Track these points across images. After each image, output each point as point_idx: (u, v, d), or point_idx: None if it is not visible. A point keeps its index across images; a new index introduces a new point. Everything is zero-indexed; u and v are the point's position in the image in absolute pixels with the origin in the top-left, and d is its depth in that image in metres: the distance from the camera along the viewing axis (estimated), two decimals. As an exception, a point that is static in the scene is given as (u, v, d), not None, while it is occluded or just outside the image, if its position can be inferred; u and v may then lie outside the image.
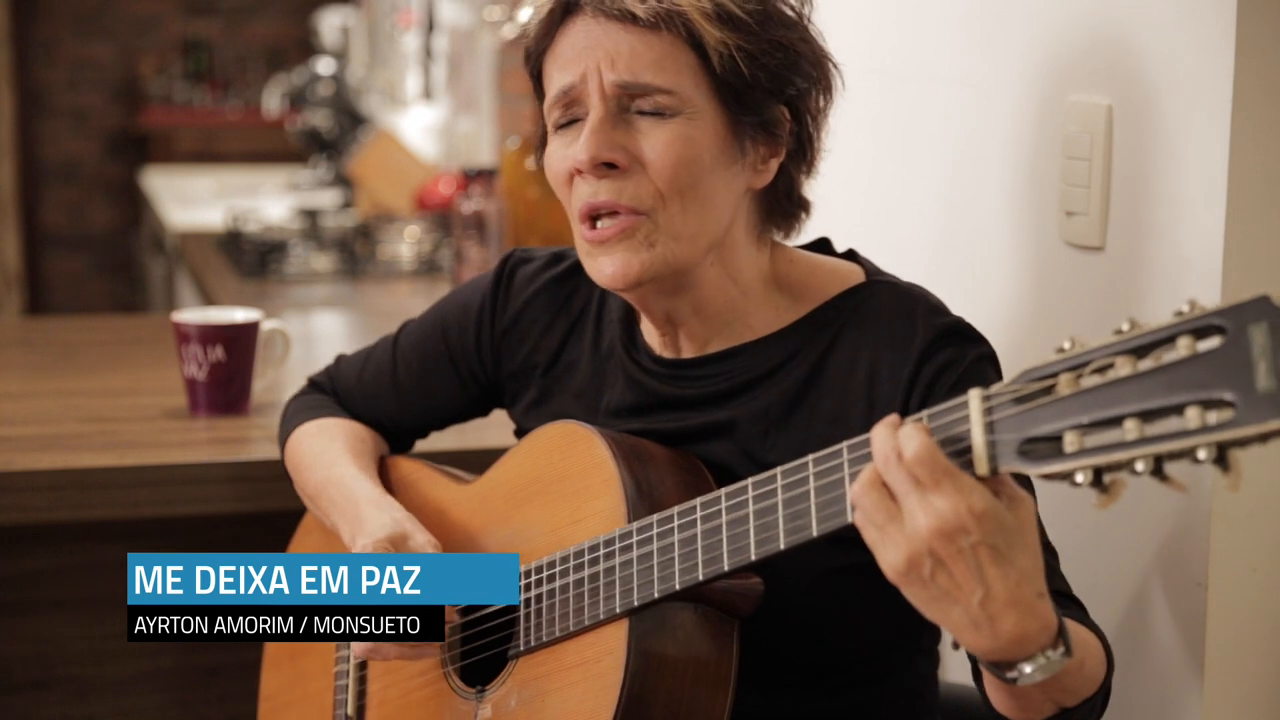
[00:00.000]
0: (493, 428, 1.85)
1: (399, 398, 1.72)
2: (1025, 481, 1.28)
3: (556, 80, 1.42)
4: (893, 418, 1.14)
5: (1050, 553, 1.36)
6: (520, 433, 1.63)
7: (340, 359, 1.82)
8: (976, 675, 1.30)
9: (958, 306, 1.47)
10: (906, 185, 1.89)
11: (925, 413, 1.13)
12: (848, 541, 1.37)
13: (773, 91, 1.41)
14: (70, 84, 6.97)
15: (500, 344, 1.63)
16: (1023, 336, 1.67)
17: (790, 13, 1.44)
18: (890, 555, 1.12)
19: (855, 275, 1.49)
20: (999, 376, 1.40)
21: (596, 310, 1.58)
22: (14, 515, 1.95)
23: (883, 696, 1.48)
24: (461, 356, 1.66)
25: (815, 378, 1.43)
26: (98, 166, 7.01)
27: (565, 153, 1.42)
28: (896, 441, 1.11)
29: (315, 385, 1.82)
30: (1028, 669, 1.14)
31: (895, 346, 1.40)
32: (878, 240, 1.86)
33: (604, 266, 1.41)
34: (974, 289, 1.74)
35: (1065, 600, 1.33)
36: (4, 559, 2.05)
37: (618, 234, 1.39)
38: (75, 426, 2.17)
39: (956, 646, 1.16)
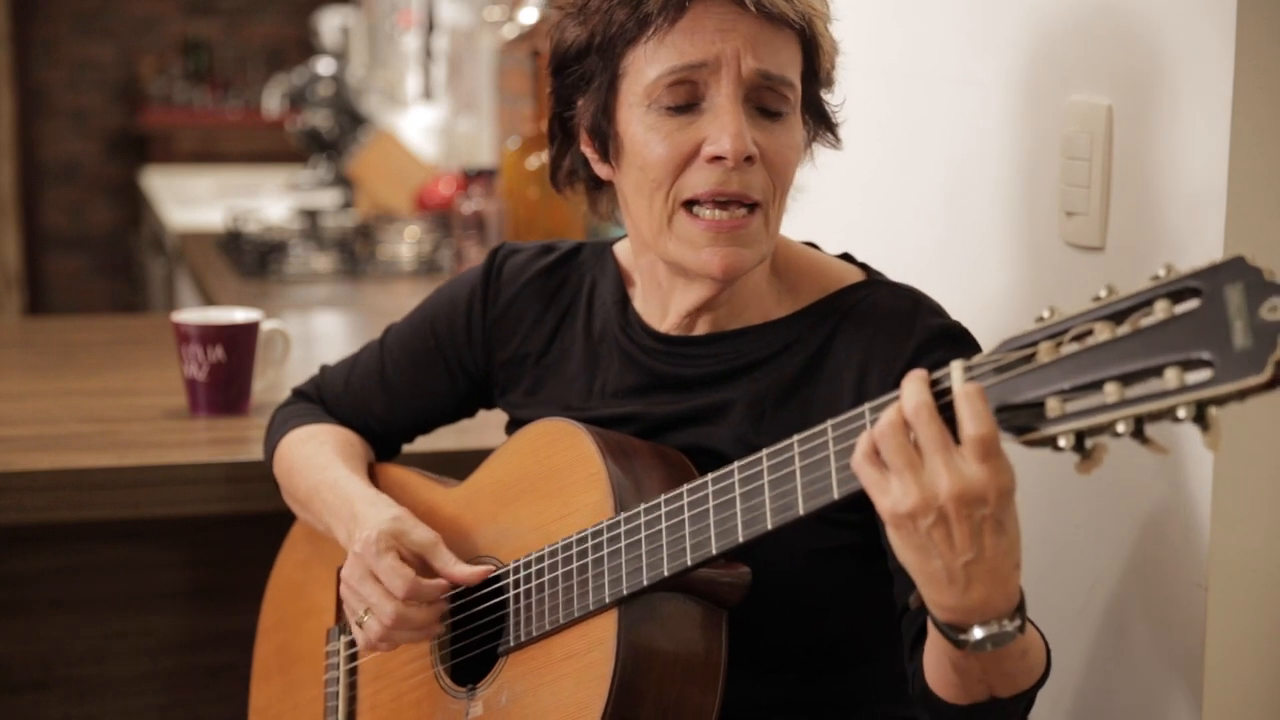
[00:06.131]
0: (491, 428, 1.85)
1: (388, 398, 1.72)
2: None
3: (674, 56, 1.38)
4: (921, 372, 1.14)
5: None
6: (513, 423, 1.63)
7: (324, 368, 1.82)
8: (915, 647, 1.31)
9: (957, 306, 1.47)
10: (906, 184, 1.89)
11: None
12: (837, 522, 1.37)
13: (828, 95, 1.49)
14: (70, 84, 6.97)
15: (492, 333, 1.63)
16: (1023, 336, 1.67)
17: None
18: (896, 497, 1.12)
19: (854, 274, 1.51)
20: None
21: (588, 298, 1.58)
22: (14, 515, 1.95)
23: (870, 679, 1.48)
24: (452, 350, 1.66)
25: (812, 368, 1.44)
26: (98, 166, 7.01)
27: (683, 136, 1.39)
28: (930, 396, 1.11)
29: (301, 395, 1.82)
30: (979, 634, 1.16)
31: (890, 344, 1.41)
32: (878, 239, 1.86)
33: (715, 257, 1.40)
34: (974, 289, 1.74)
35: None
36: (4, 559, 2.05)
37: (741, 225, 1.40)
38: (75, 426, 2.17)
39: (909, 606, 1.17)
